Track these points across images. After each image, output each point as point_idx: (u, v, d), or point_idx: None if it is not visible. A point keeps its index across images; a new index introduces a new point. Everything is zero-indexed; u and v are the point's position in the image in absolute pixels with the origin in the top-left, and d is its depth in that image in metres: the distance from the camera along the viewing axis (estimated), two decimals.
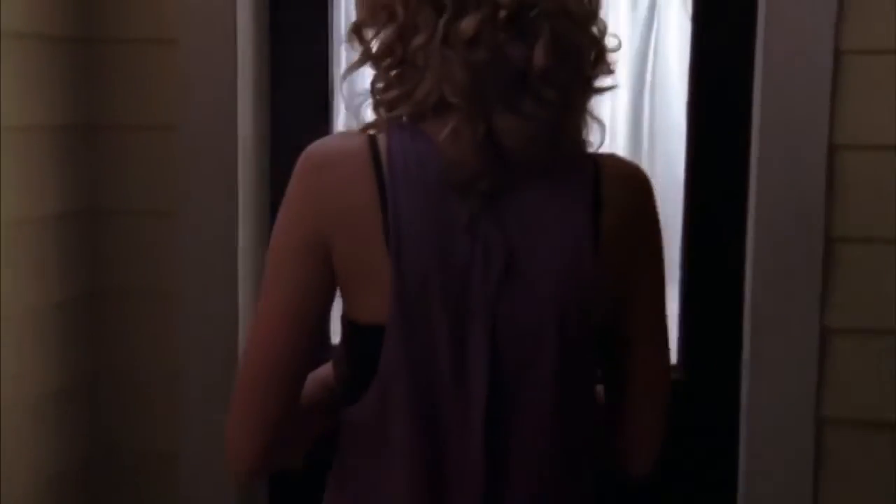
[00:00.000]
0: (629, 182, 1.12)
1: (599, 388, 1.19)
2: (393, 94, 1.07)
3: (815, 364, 1.64)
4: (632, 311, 1.13)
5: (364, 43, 1.09)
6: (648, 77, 2.52)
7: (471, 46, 1.02)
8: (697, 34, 1.75)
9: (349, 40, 1.11)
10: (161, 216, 1.80)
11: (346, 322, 1.12)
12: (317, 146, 1.10)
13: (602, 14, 1.10)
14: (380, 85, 1.09)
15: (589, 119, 1.11)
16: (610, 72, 1.10)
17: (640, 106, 2.58)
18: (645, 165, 2.62)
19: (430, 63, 1.04)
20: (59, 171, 1.74)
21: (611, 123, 2.61)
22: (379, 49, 1.08)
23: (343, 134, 1.11)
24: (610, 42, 1.10)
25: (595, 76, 1.09)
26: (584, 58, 1.07)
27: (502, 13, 1.02)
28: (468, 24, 1.02)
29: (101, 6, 1.77)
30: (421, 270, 1.03)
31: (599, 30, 1.09)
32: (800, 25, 1.60)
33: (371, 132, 1.09)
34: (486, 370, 1.05)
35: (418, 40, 1.04)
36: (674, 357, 1.80)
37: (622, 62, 2.55)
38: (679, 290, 1.78)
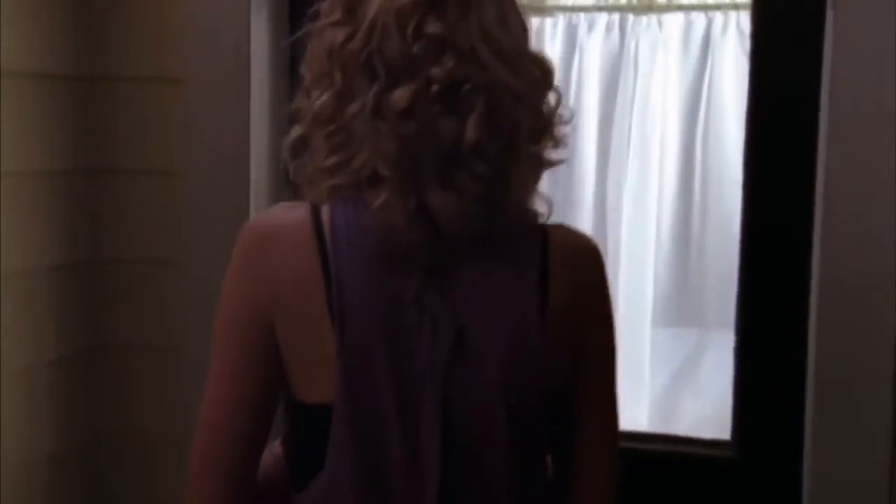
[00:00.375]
0: (576, 252, 1.15)
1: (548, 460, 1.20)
2: (332, 161, 1.09)
3: (888, 444, 1.53)
4: (579, 382, 1.15)
5: (310, 108, 1.11)
6: (701, 118, 2.38)
7: (402, 119, 1.04)
8: (756, 72, 1.65)
9: (297, 105, 1.13)
10: (164, 267, 1.76)
11: (291, 404, 1.12)
12: (259, 218, 1.13)
13: (556, 83, 1.12)
14: (322, 152, 1.10)
15: (535, 193, 1.14)
16: (558, 145, 1.13)
17: (692, 148, 2.45)
18: (696, 218, 2.52)
19: (366, 133, 1.06)
20: (57, 218, 1.74)
21: (659, 171, 2.47)
22: (320, 115, 1.09)
23: (287, 205, 1.13)
24: (561, 114, 1.12)
25: (541, 150, 1.12)
26: (523, 132, 1.09)
27: (435, 87, 1.04)
28: (400, 96, 1.04)
29: (103, 42, 1.74)
30: (366, 343, 1.05)
31: (548, 102, 1.11)
32: (871, 64, 1.50)
33: (315, 203, 1.10)
34: (438, 452, 1.05)
35: (353, 108, 1.06)
36: (727, 431, 1.70)
37: (672, 102, 2.44)
38: (734, 357, 1.68)
